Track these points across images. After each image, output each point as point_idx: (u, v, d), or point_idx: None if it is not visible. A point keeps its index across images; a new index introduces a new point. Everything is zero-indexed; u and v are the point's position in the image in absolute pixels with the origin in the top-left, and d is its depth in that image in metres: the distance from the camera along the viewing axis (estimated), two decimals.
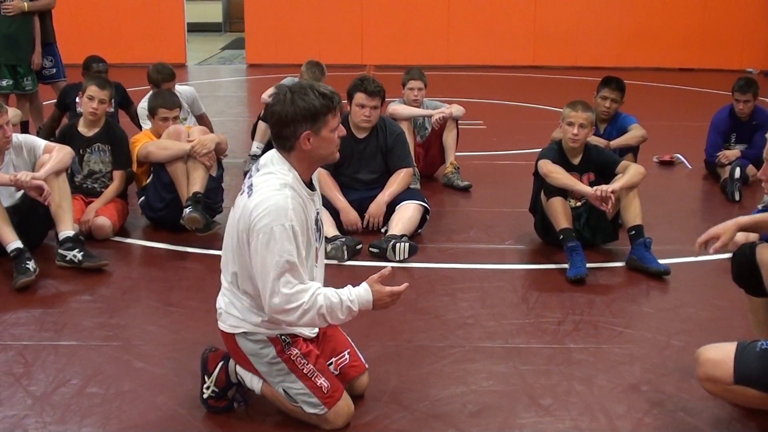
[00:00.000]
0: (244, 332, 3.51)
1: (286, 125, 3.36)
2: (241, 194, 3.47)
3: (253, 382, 3.63)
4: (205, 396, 3.69)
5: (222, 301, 3.59)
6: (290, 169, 3.43)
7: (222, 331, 3.59)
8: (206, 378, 3.69)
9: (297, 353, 3.52)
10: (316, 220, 3.56)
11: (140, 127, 7.35)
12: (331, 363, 3.71)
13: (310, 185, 3.51)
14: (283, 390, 3.52)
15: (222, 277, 3.61)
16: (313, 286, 3.36)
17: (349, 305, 3.39)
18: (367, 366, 3.83)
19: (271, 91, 7.89)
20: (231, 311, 3.53)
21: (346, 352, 3.77)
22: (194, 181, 5.86)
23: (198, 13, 20.64)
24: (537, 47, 16.06)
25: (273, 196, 3.33)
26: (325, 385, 3.52)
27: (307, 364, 3.52)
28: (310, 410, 3.51)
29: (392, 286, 3.47)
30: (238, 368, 3.66)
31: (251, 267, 3.38)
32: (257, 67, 15.88)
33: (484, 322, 4.67)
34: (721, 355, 3.45)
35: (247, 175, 3.54)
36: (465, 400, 3.82)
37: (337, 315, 3.38)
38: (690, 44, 15.83)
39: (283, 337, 3.50)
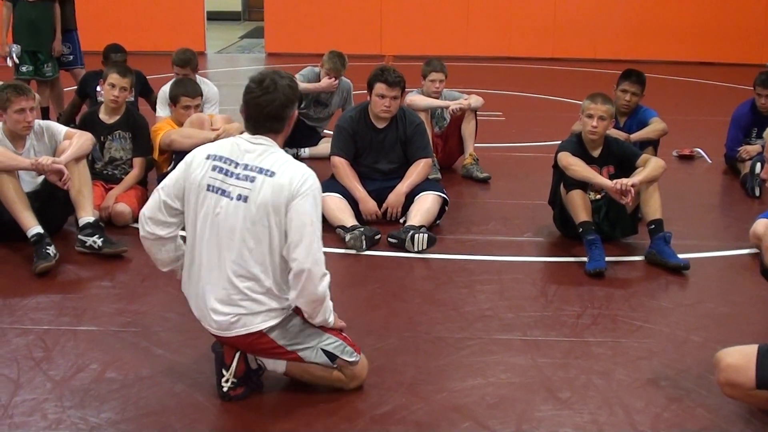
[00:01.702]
0: (273, 326, 3.58)
1: (287, 107, 3.58)
2: (251, 181, 3.50)
3: (278, 364, 3.70)
4: (225, 389, 3.69)
5: (240, 307, 3.56)
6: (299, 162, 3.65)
7: (245, 334, 3.58)
8: (224, 371, 3.69)
9: None
10: None
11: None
12: None
13: None
14: (323, 351, 3.64)
15: (232, 284, 3.55)
16: None
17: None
18: None
19: None
20: (258, 309, 3.55)
21: None
22: None
23: (217, 1, 20.64)
24: (556, 39, 15.99)
25: (299, 166, 3.58)
26: (348, 336, 3.75)
27: None
28: (349, 359, 3.68)
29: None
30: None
31: (284, 237, 3.49)
32: (276, 56, 15.87)
33: (503, 315, 4.67)
34: (742, 360, 3.43)
35: (226, 171, 3.54)
36: (483, 392, 3.82)
37: (328, 305, 3.62)
38: (710, 38, 15.70)
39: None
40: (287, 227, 3.48)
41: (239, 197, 3.51)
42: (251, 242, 3.51)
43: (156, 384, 3.84)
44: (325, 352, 3.65)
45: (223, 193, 3.53)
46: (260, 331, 3.58)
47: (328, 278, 3.53)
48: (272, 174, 3.50)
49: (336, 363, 3.68)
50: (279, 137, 3.62)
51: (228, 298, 3.56)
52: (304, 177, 3.51)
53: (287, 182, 3.48)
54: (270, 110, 3.55)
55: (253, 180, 3.51)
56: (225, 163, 3.56)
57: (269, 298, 3.56)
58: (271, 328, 3.59)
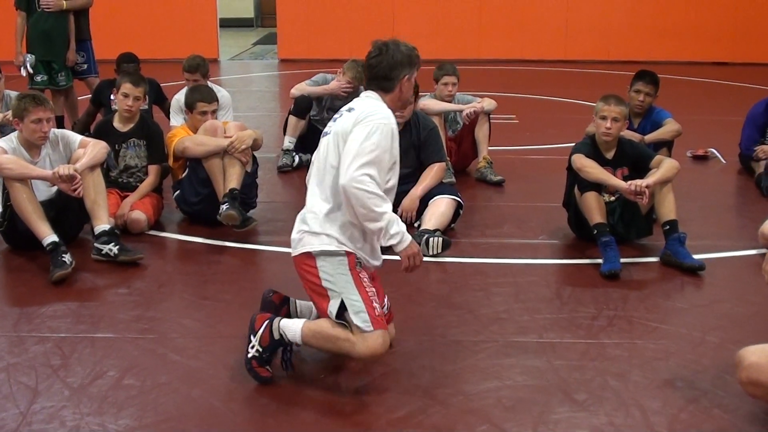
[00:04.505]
0: (324, 251, 3.82)
1: (394, 68, 3.94)
2: (339, 116, 3.97)
3: (296, 334, 3.83)
4: (249, 355, 3.89)
5: (305, 225, 3.90)
6: (386, 107, 3.96)
7: (299, 254, 3.90)
8: (252, 337, 3.90)
9: (365, 275, 3.88)
10: None
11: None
12: (385, 305, 4.09)
13: None
14: (341, 302, 3.75)
15: (309, 204, 3.95)
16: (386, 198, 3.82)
17: (399, 230, 3.83)
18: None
19: (300, 86, 7.89)
20: (318, 230, 3.85)
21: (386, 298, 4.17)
22: (231, 178, 5.89)
23: (230, 8, 20.68)
24: (569, 41, 15.97)
25: (379, 108, 3.90)
26: (379, 309, 3.81)
27: (371, 287, 3.84)
28: (357, 323, 3.72)
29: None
30: (282, 324, 3.86)
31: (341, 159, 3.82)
32: (289, 62, 15.91)
33: (518, 317, 4.67)
34: (765, 358, 3.42)
35: (335, 119, 4.00)
36: (499, 394, 3.83)
37: (394, 225, 3.81)
38: (723, 38, 15.66)
39: (358, 257, 3.87)
40: (343, 149, 3.82)
41: (326, 133, 3.98)
42: (324, 167, 3.90)
43: (173, 390, 3.86)
44: (342, 304, 3.75)
45: (325, 135, 3.99)
46: (311, 254, 3.84)
47: (364, 187, 3.69)
48: (352, 110, 3.92)
49: (344, 319, 3.75)
50: (388, 96, 3.97)
51: (303, 217, 3.95)
52: (375, 110, 3.85)
53: (358, 112, 3.86)
54: (378, 71, 3.95)
55: (339, 117, 3.95)
56: (339, 113, 4.01)
57: (329, 221, 3.84)
58: (322, 254, 3.83)
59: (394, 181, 4.01)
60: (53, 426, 3.56)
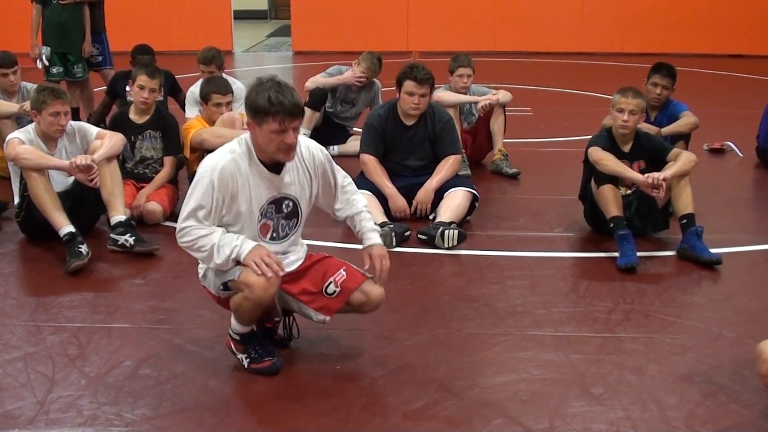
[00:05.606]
0: (205, 279, 3.96)
1: (248, 110, 3.70)
2: None
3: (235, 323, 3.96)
4: (245, 366, 3.94)
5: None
6: (249, 143, 3.77)
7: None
8: (235, 356, 3.99)
9: None
10: (275, 201, 3.83)
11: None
12: (331, 282, 3.94)
13: (272, 168, 3.78)
14: (221, 284, 3.84)
15: None
16: (214, 230, 3.71)
17: (231, 243, 3.69)
18: (368, 276, 3.99)
19: (314, 78, 7.89)
20: (199, 270, 4.00)
21: (342, 269, 3.98)
22: None
23: (244, 0, 20.71)
24: (584, 33, 15.91)
25: (215, 155, 3.77)
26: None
27: None
28: (234, 275, 3.73)
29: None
30: (231, 322, 3.96)
31: None
32: (303, 54, 15.91)
33: (534, 310, 4.65)
34: None
35: None
36: (516, 388, 3.82)
37: (223, 247, 3.69)
38: (740, 30, 15.55)
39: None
40: None
41: None
42: None
43: (190, 380, 3.87)
44: (223, 283, 3.84)
45: None
46: (205, 287, 3.98)
47: (186, 238, 3.71)
48: None
49: (231, 287, 3.81)
50: (253, 134, 3.73)
51: None
52: (204, 163, 3.77)
53: None
54: None
55: None
56: None
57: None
58: (203, 278, 3.96)
59: (267, 222, 3.85)
60: (70, 415, 3.57)
